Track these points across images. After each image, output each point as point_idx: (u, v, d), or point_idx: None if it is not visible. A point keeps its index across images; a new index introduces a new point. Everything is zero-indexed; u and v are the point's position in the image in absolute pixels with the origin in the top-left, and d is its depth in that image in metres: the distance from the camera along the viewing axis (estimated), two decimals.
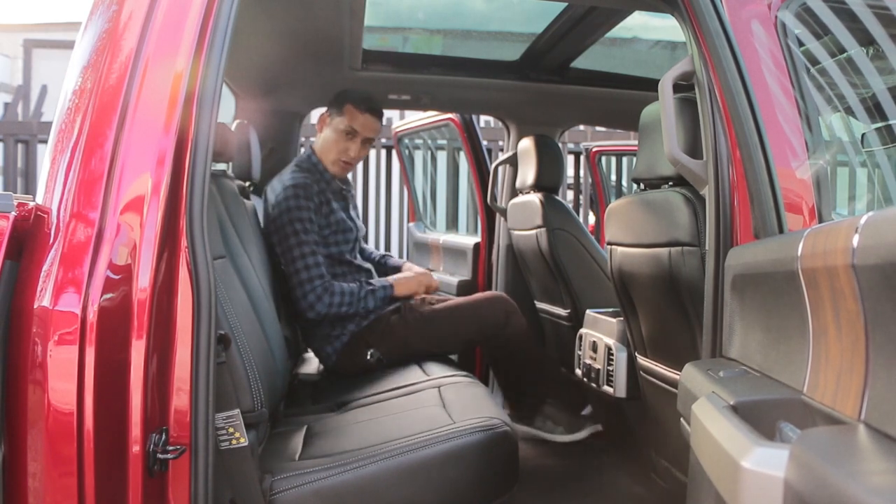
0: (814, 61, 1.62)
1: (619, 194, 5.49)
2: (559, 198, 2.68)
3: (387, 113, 5.95)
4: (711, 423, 0.89)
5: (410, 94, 2.85)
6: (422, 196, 4.89)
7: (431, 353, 2.38)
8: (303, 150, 5.87)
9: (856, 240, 0.69)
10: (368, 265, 2.53)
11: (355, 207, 2.64)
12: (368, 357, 2.29)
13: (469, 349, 2.48)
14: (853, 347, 0.73)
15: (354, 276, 2.42)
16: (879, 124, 2.03)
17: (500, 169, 3.23)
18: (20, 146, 5.52)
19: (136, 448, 1.09)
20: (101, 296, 1.05)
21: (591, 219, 5.60)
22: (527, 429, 2.55)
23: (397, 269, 2.70)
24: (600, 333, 2.12)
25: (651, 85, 1.69)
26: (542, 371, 2.55)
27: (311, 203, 2.28)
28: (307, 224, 2.26)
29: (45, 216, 1.11)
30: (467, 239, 3.47)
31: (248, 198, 2.42)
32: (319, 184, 2.37)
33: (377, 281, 2.37)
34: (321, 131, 2.45)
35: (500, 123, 3.32)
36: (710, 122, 1.36)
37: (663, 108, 1.42)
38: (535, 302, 2.92)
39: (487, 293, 2.51)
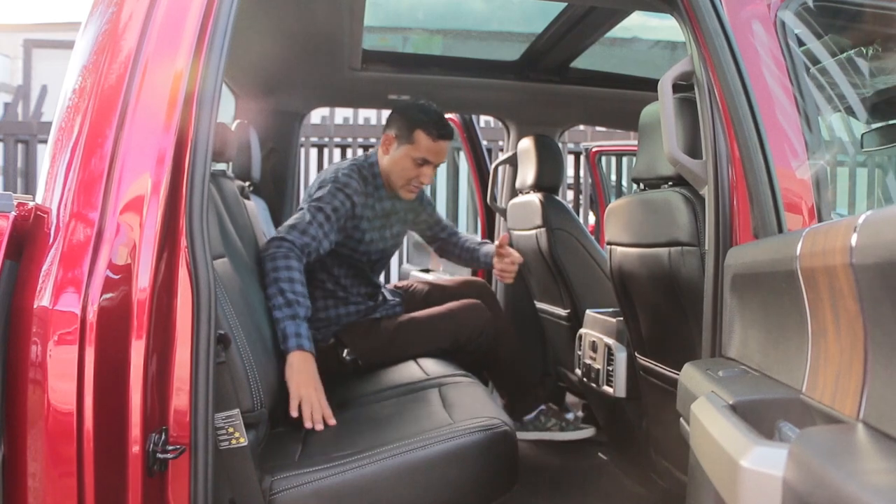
0: (814, 61, 1.62)
1: (619, 194, 5.49)
2: (559, 198, 2.68)
3: (386, 113, 5.95)
4: (711, 423, 0.90)
5: (410, 95, 2.85)
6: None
7: (410, 358, 2.29)
8: (303, 150, 5.87)
9: (854, 239, 0.69)
10: (379, 282, 2.40)
11: (412, 221, 2.52)
12: (345, 355, 2.21)
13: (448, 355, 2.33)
14: (852, 347, 0.73)
15: (359, 291, 2.30)
16: (879, 124, 2.03)
17: (500, 169, 3.23)
18: (20, 146, 5.52)
19: (135, 448, 1.09)
20: (101, 296, 1.05)
21: (591, 219, 5.61)
22: (527, 434, 2.50)
23: (487, 258, 2.53)
24: (600, 333, 2.12)
25: (651, 85, 1.69)
26: (531, 370, 2.54)
27: (348, 201, 2.12)
28: (330, 212, 2.07)
29: (45, 216, 1.11)
30: None
31: (247, 198, 2.42)
32: (366, 196, 2.22)
33: (298, 330, 1.82)
34: (386, 153, 2.23)
35: (500, 123, 3.33)
36: (710, 122, 1.36)
37: (663, 108, 1.42)
38: (535, 302, 2.92)
39: (464, 301, 2.38)
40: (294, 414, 1.72)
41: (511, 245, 3.07)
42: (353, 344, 2.22)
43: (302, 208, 2.10)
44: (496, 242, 2.43)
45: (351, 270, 2.29)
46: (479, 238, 2.58)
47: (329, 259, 2.22)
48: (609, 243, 1.94)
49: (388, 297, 2.43)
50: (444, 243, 2.67)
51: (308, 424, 1.69)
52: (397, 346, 2.26)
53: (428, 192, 5.78)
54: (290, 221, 2.06)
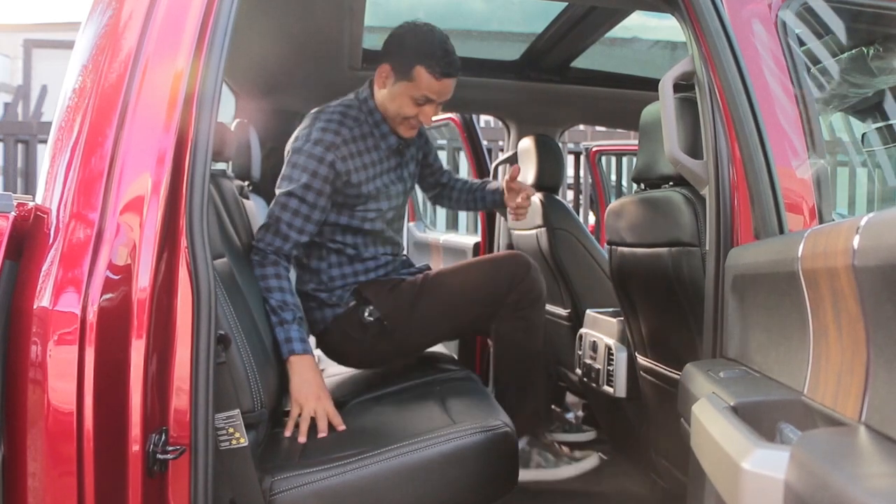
0: (814, 61, 1.62)
1: (619, 194, 5.49)
2: (559, 197, 2.68)
3: None
4: (712, 424, 0.89)
5: None
6: (422, 195, 4.89)
7: (439, 324, 2.03)
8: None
9: (856, 241, 0.69)
10: (400, 239, 2.15)
11: (421, 162, 2.21)
12: (367, 315, 1.98)
13: (481, 320, 2.03)
14: (854, 348, 0.73)
15: (375, 249, 2.07)
16: (880, 124, 2.03)
17: (501, 168, 3.23)
18: (20, 146, 5.52)
19: (135, 448, 1.09)
20: (101, 296, 1.05)
21: (591, 219, 5.61)
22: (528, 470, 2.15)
23: (495, 195, 2.28)
24: (600, 333, 2.12)
25: (651, 85, 1.69)
26: (545, 373, 2.25)
27: (322, 169, 1.88)
28: (301, 194, 1.87)
29: (45, 216, 1.11)
30: (467, 238, 3.48)
31: (247, 197, 2.42)
32: (365, 140, 1.97)
33: (288, 334, 1.76)
34: (382, 87, 1.97)
35: (500, 123, 3.32)
36: (711, 122, 1.35)
37: (663, 108, 1.42)
38: None
39: (501, 252, 2.10)
40: (287, 433, 1.63)
41: (511, 244, 3.07)
42: (377, 301, 1.99)
43: (280, 195, 1.89)
44: (506, 177, 2.18)
45: (359, 234, 2.04)
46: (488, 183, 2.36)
47: (328, 229, 2.00)
48: (609, 243, 1.94)
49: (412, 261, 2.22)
50: (444, 188, 2.38)
51: (302, 439, 1.61)
52: (427, 302, 2.00)
53: None
54: (265, 220, 1.90)
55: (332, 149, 1.89)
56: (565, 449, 2.16)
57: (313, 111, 2.02)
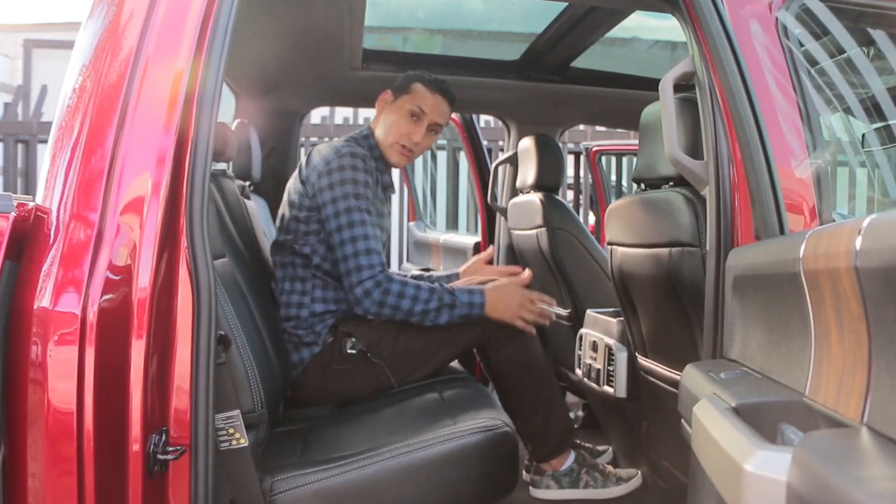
0: (814, 62, 1.62)
1: (619, 194, 5.49)
2: (559, 197, 2.68)
3: None
4: (713, 426, 0.89)
5: None
6: (422, 195, 4.89)
7: (427, 352, 1.96)
8: (303, 150, 5.88)
9: (858, 242, 0.69)
10: None
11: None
12: (349, 349, 1.90)
13: (476, 342, 2.00)
14: (855, 349, 0.73)
15: None
16: (879, 124, 2.03)
17: (501, 168, 3.23)
18: (20, 146, 5.51)
19: (135, 448, 1.09)
20: (101, 296, 1.05)
21: (591, 219, 5.61)
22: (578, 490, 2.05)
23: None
24: (600, 333, 2.12)
25: (651, 85, 1.68)
26: (555, 378, 2.14)
27: (368, 176, 1.96)
28: (364, 191, 1.93)
29: (45, 216, 1.11)
30: (467, 238, 3.48)
31: (248, 197, 2.42)
32: (371, 172, 2.03)
33: (460, 290, 1.89)
34: (381, 112, 2.12)
35: (500, 123, 3.32)
36: (711, 122, 1.35)
37: (664, 109, 1.42)
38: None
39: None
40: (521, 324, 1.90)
41: (511, 244, 3.07)
42: (358, 333, 1.92)
43: (340, 214, 1.90)
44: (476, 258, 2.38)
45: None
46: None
47: (316, 257, 1.98)
48: (610, 243, 1.94)
49: None
50: None
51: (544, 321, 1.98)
52: (413, 329, 1.92)
53: (429, 190, 5.75)
54: (347, 256, 1.88)
55: (365, 158, 1.98)
56: (610, 468, 2.12)
57: (319, 147, 2.06)
